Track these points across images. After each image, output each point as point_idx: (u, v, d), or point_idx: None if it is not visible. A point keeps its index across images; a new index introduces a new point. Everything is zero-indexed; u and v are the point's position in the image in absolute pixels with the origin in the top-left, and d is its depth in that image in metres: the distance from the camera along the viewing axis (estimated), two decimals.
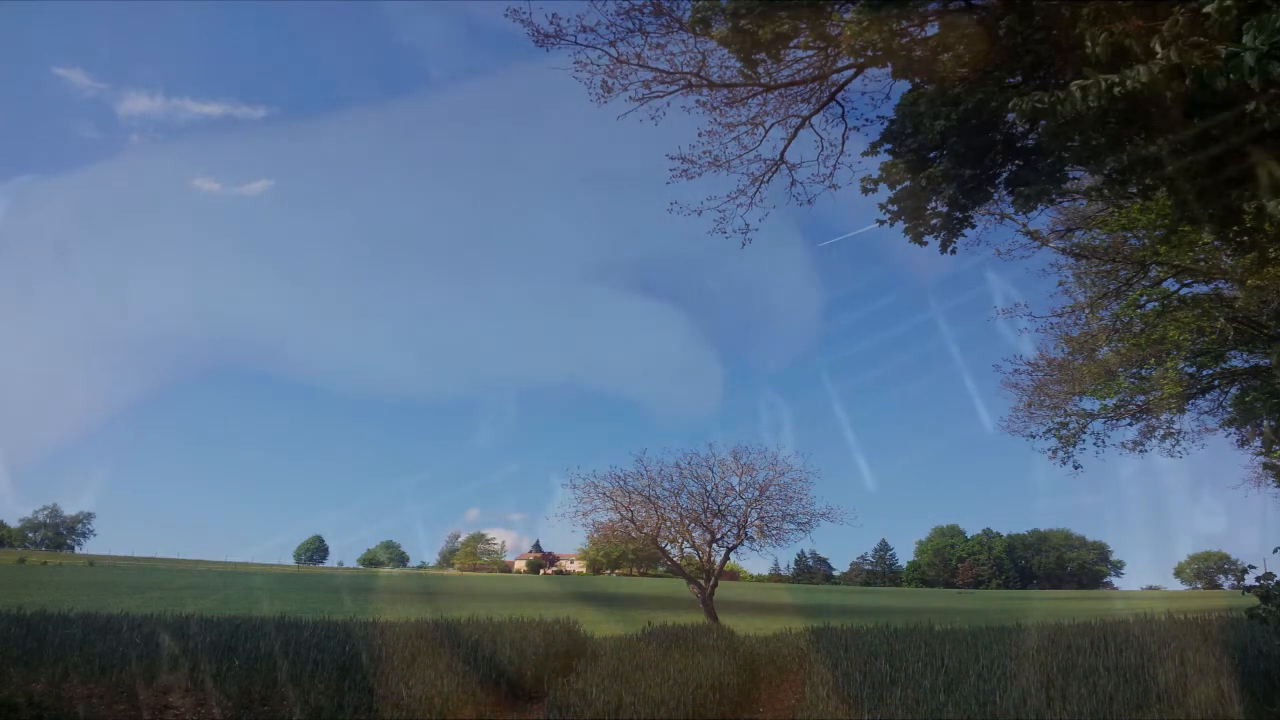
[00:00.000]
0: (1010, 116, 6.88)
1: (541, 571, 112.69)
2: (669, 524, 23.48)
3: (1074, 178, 9.53)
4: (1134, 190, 7.72)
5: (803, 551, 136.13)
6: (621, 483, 23.05)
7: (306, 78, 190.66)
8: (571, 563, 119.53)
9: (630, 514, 22.86)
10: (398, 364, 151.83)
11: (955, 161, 8.16)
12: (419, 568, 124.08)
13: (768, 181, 10.77)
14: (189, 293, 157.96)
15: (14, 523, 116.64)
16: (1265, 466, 19.88)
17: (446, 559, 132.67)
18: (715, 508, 23.33)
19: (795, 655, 12.66)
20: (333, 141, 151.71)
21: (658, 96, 9.93)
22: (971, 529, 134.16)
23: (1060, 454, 19.11)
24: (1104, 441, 19.15)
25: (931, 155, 8.35)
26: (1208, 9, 4.35)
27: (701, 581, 22.84)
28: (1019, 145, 8.36)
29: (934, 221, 8.78)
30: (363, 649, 11.14)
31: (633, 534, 23.56)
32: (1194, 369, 18.20)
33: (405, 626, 14.17)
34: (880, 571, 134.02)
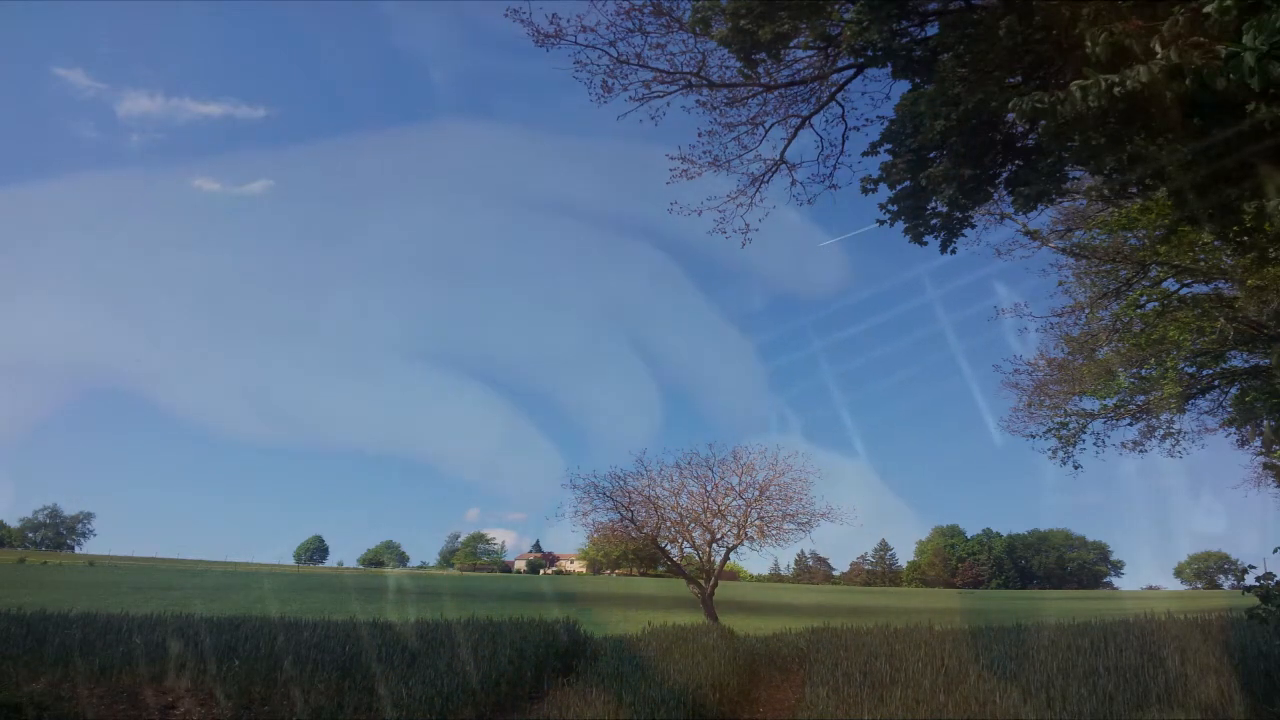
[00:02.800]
0: (1010, 116, 6.88)
1: (541, 571, 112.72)
2: (669, 524, 23.46)
3: (1074, 178, 9.55)
4: (1134, 190, 7.72)
5: (803, 551, 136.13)
6: (621, 483, 23.06)
7: (307, 78, 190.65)
8: (571, 563, 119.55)
9: (630, 514, 22.84)
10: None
11: (955, 161, 8.17)
12: (419, 568, 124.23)
13: (768, 181, 10.80)
14: (186, 292, 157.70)
15: (14, 523, 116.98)
16: (1265, 466, 19.90)
17: (446, 559, 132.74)
18: (715, 508, 23.32)
19: (795, 655, 12.67)
20: (333, 143, 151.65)
21: (658, 96, 9.97)
22: (971, 529, 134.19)
23: (1060, 454, 19.14)
24: (1104, 441, 19.19)
25: (931, 155, 8.36)
26: (1208, 9, 4.36)
27: (701, 581, 22.83)
28: (1019, 145, 8.36)
29: (934, 221, 8.78)
30: (363, 649, 11.14)
31: (633, 534, 23.53)
32: (1194, 369, 18.21)
33: (405, 626, 14.17)
34: (880, 571, 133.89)
